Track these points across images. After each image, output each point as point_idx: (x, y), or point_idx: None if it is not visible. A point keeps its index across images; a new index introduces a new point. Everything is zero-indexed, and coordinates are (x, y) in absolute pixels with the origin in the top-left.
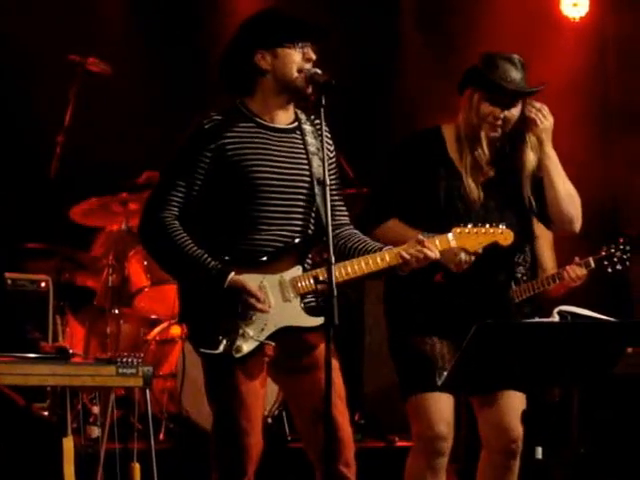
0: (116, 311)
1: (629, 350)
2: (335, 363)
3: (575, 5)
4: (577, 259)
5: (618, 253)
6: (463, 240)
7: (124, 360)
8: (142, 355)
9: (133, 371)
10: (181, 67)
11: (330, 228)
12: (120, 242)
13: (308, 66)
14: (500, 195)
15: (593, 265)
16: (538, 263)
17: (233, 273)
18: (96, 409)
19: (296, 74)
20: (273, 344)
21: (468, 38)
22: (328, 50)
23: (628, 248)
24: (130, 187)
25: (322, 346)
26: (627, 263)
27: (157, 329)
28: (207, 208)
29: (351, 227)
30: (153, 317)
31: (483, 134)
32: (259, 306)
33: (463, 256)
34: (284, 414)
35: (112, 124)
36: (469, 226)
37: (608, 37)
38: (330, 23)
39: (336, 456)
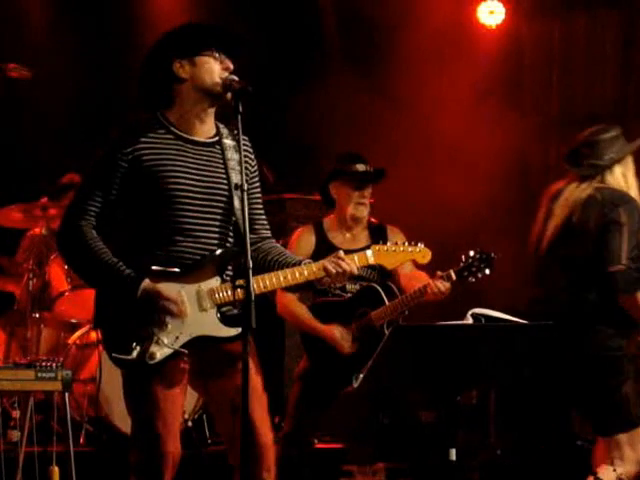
0: (37, 315)
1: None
2: (255, 368)
3: (491, 13)
4: (439, 273)
5: (476, 262)
6: (381, 257)
7: (43, 364)
8: (61, 359)
9: (52, 375)
10: (102, 70)
11: (247, 232)
12: (41, 246)
13: (226, 74)
14: None
15: (454, 277)
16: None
17: (147, 280)
18: (16, 413)
19: (215, 81)
20: (186, 352)
21: (387, 47)
22: (247, 57)
23: (485, 256)
24: (52, 189)
25: (239, 353)
26: (487, 271)
27: (77, 333)
28: (126, 218)
29: (272, 240)
30: (73, 321)
31: None
32: (175, 309)
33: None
34: (204, 417)
35: (34, 128)
36: (388, 244)
37: (524, 44)
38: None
39: (257, 461)
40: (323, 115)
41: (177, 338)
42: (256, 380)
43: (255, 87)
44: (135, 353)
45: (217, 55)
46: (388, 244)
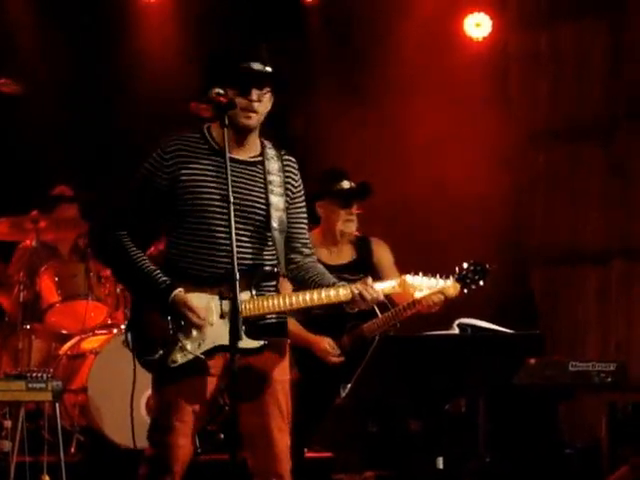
0: (27, 327)
1: (531, 361)
2: (283, 376)
3: (478, 25)
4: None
5: (470, 274)
6: (408, 287)
7: (34, 375)
8: (52, 370)
9: (43, 386)
10: (92, 84)
11: (234, 243)
12: (32, 258)
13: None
14: None
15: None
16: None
17: (179, 289)
18: (8, 423)
19: (238, 112)
20: (205, 358)
21: (373, 59)
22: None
23: (479, 268)
24: (42, 201)
25: (269, 366)
26: (481, 282)
27: (68, 344)
28: (164, 228)
29: (313, 259)
30: (64, 332)
31: None
32: (196, 320)
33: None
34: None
35: (23, 141)
36: (420, 274)
37: (511, 56)
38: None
39: (271, 469)
40: (311, 127)
41: (200, 345)
42: (280, 389)
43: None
44: (157, 355)
45: (242, 90)
46: (420, 274)
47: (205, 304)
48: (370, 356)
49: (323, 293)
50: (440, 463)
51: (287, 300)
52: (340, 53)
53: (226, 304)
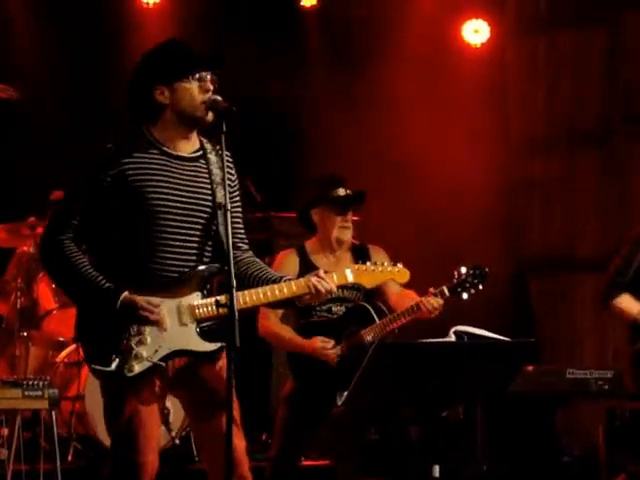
0: (24, 334)
1: (529, 368)
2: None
3: (476, 31)
4: (431, 289)
5: (470, 278)
6: (360, 276)
7: (30, 383)
8: (48, 377)
9: (39, 393)
10: (89, 88)
11: (231, 253)
12: (29, 265)
13: (207, 95)
14: None
15: (448, 294)
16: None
17: (126, 292)
18: (4, 431)
19: (195, 105)
20: (164, 365)
21: (371, 65)
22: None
23: (478, 272)
24: (39, 206)
25: (216, 369)
26: (480, 286)
27: (65, 351)
28: (108, 232)
29: (250, 254)
30: (61, 339)
31: None
32: (153, 317)
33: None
34: (191, 434)
35: (20, 147)
36: (367, 264)
37: (509, 62)
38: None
39: (232, 472)
40: (308, 133)
41: (156, 351)
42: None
43: (239, 107)
44: (114, 365)
45: (196, 77)
46: (368, 263)
47: (154, 302)
48: (366, 363)
49: (277, 289)
50: (436, 471)
51: (241, 299)
52: (338, 59)
53: (179, 307)
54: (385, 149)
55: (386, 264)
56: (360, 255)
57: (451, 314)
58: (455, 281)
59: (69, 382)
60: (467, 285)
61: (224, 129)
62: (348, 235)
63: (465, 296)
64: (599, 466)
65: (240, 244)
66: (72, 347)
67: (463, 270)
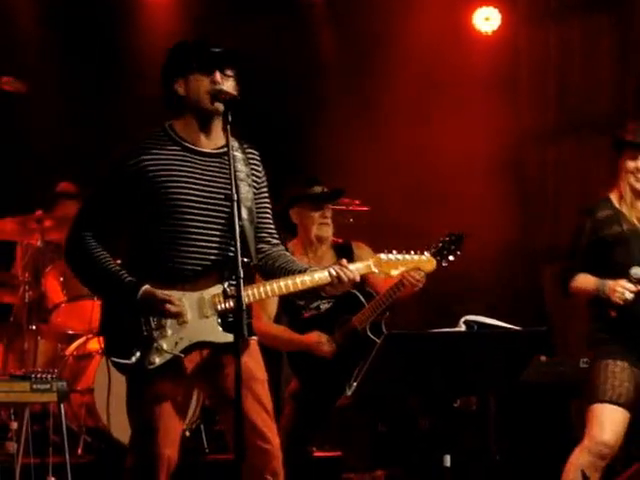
0: (33, 327)
1: (543, 359)
2: (263, 376)
3: (487, 19)
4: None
5: (447, 244)
6: (385, 266)
7: (38, 376)
8: (56, 370)
9: (47, 387)
10: (95, 82)
11: (239, 243)
12: (37, 258)
13: (212, 86)
14: None
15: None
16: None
17: (147, 285)
18: (14, 425)
19: (202, 96)
20: (183, 356)
21: (381, 53)
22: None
23: (454, 237)
24: (46, 198)
25: (246, 361)
26: (458, 252)
27: (74, 344)
28: (131, 227)
29: (280, 248)
30: (70, 332)
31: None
32: (173, 309)
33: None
34: (202, 427)
35: (27, 140)
36: (394, 252)
37: (520, 50)
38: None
39: (264, 466)
40: (315, 126)
41: (177, 344)
42: (261, 388)
43: (244, 98)
44: (134, 358)
45: (207, 70)
46: (394, 252)
47: (175, 296)
48: (375, 354)
49: (298, 279)
50: (447, 461)
51: (263, 289)
52: (347, 49)
53: (200, 299)
54: (397, 136)
55: (412, 253)
56: (343, 253)
57: (461, 304)
58: (433, 249)
59: (78, 375)
60: (445, 252)
61: (230, 119)
62: (328, 232)
63: (445, 264)
64: (613, 456)
65: (269, 238)
66: (81, 340)
67: (440, 238)
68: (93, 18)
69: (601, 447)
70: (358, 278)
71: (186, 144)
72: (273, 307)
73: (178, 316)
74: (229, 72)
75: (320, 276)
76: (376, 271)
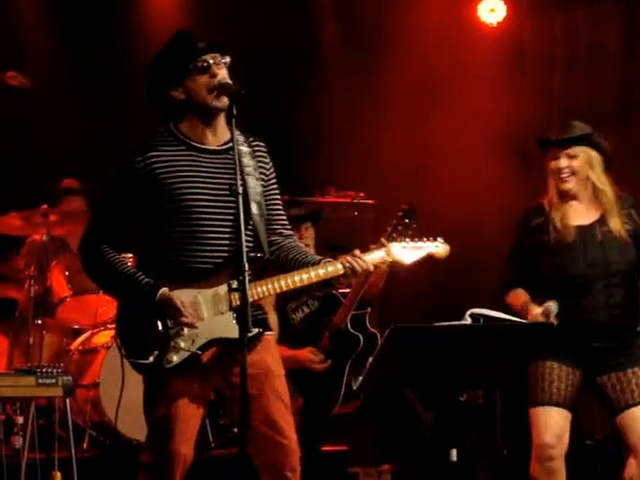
0: (39, 321)
1: None
2: (281, 371)
3: (492, 11)
4: (372, 246)
5: (401, 220)
6: (399, 254)
7: (44, 370)
8: (62, 365)
9: (53, 381)
10: (100, 77)
11: (244, 237)
12: (42, 253)
13: (216, 80)
14: None
15: (386, 244)
16: None
17: (165, 289)
18: (19, 419)
19: (206, 96)
20: (201, 354)
21: (385, 45)
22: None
23: (405, 211)
24: (50, 194)
25: (265, 361)
26: (413, 224)
27: (80, 339)
28: (143, 229)
29: (293, 239)
30: (76, 327)
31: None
32: (185, 320)
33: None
34: (207, 422)
35: (32, 135)
36: (406, 239)
37: (525, 42)
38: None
39: (282, 462)
40: (318, 117)
41: (193, 341)
42: (279, 384)
43: (249, 88)
44: (152, 358)
45: (202, 68)
46: (407, 239)
47: (192, 299)
48: (380, 348)
49: (312, 272)
50: (454, 455)
51: (277, 284)
52: (351, 41)
53: (215, 296)
54: (403, 129)
55: (425, 239)
56: None
57: (467, 298)
58: (390, 229)
59: (84, 370)
60: (400, 227)
61: (234, 112)
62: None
63: (408, 240)
64: (622, 449)
65: (281, 230)
66: (87, 334)
67: (392, 220)
68: (97, 11)
69: (543, 450)
70: (372, 268)
71: (192, 143)
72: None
73: (190, 326)
74: (222, 61)
75: (334, 268)
76: (389, 260)
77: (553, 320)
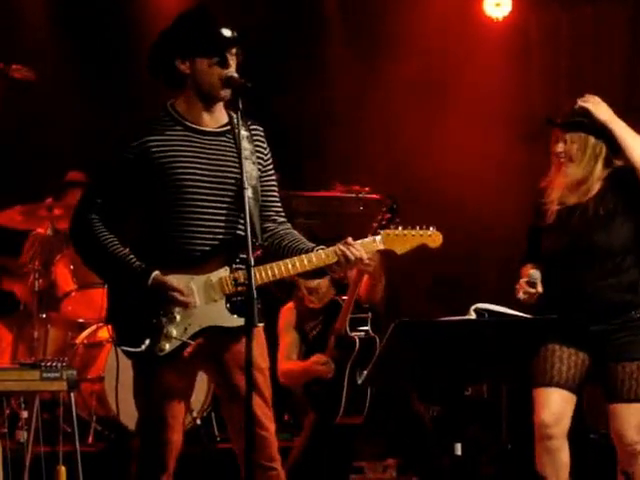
0: (43, 315)
1: None
2: (264, 364)
3: (498, 5)
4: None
5: (384, 215)
6: (391, 242)
7: (48, 364)
8: (66, 359)
9: (57, 375)
10: (104, 69)
11: (249, 229)
12: (46, 247)
13: (225, 72)
14: None
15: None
16: None
17: (157, 272)
18: (25, 413)
19: (213, 83)
20: (193, 342)
21: (391, 38)
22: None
23: (387, 205)
24: (55, 187)
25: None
26: (397, 219)
27: (85, 333)
28: (137, 210)
29: (287, 226)
30: (80, 321)
31: None
32: (182, 299)
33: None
34: (213, 415)
35: (37, 128)
36: (399, 228)
37: (531, 35)
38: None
39: (259, 452)
40: (326, 112)
41: (186, 329)
42: (260, 377)
43: (255, 82)
44: (144, 346)
45: (217, 55)
46: (400, 228)
47: (185, 285)
48: (385, 342)
49: (305, 259)
50: (458, 449)
51: (270, 271)
52: (356, 35)
53: (207, 282)
54: (408, 123)
55: (418, 228)
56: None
57: (472, 294)
58: (375, 225)
59: (89, 364)
60: (384, 222)
61: (240, 106)
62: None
63: (396, 231)
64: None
65: (275, 217)
66: (92, 328)
67: (380, 212)
68: (100, 10)
69: (541, 428)
70: (365, 255)
71: (189, 124)
72: (289, 340)
73: (187, 305)
74: (236, 52)
75: (327, 255)
76: (382, 247)
77: (539, 288)
